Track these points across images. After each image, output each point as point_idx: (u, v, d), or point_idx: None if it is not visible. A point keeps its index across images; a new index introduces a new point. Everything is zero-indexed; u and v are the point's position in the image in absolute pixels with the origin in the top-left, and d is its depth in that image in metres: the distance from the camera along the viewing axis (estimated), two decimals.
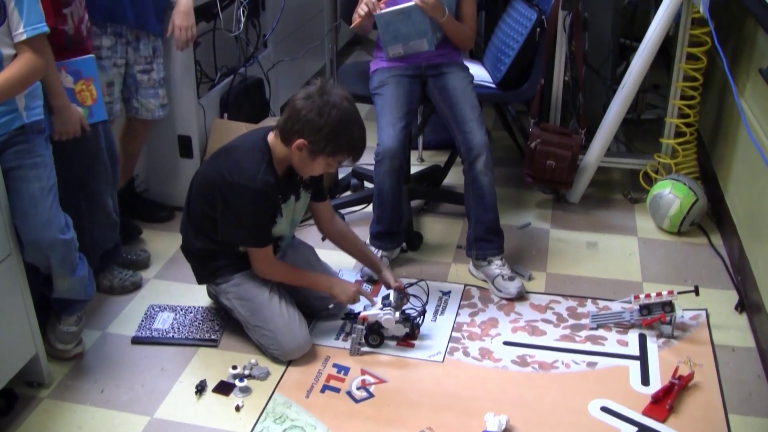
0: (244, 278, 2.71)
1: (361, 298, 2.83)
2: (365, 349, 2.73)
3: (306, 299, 2.85)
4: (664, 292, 2.76)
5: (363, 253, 2.96)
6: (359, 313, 2.75)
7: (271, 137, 2.59)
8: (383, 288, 2.92)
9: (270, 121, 3.73)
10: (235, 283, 2.71)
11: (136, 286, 3.08)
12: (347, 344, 2.75)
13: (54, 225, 2.39)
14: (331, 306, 2.82)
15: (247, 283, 2.71)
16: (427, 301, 2.89)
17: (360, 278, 3.12)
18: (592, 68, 3.81)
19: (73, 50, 2.67)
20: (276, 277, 2.73)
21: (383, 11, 3.05)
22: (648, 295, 2.78)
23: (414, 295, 2.90)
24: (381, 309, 2.73)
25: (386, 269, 2.91)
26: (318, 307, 2.87)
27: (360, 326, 2.71)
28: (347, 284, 2.81)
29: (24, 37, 2.24)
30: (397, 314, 2.72)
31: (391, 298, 2.78)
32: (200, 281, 2.85)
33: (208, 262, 2.75)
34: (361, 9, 3.08)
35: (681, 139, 3.60)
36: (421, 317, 2.81)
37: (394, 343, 2.76)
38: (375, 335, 2.73)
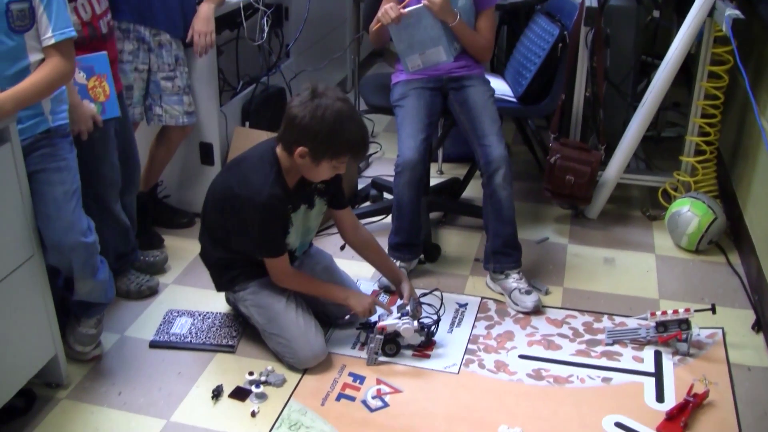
0: (260, 286, 2.73)
1: (377, 308, 2.84)
2: (382, 358, 2.74)
3: (323, 307, 2.86)
4: (681, 310, 2.75)
5: (385, 263, 2.96)
6: (375, 322, 2.76)
7: (278, 148, 2.61)
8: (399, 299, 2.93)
9: None
10: (252, 291, 2.73)
11: (153, 291, 3.10)
12: (363, 353, 2.76)
13: (76, 228, 2.41)
14: (347, 317, 2.82)
15: (263, 291, 2.72)
16: (441, 310, 2.91)
17: (377, 288, 3.14)
18: (613, 84, 3.81)
19: (89, 47, 2.68)
20: (291, 287, 2.74)
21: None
22: (664, 312, 2.78)
23: (428, 304, 2.91)
24: (399, 318, 2.73)
25: (406, 281, 2.91)
26: (335, 314, 2.88)
27: (378, 336, 2.72)
28: (363, 296, 2.82)
29: (52, 41, 2.27)
30: (416, 323, 2.73)
31: (409, 307, 2.79)
32: (218, 289, 2.88)
33: (226, 271, 2.78)
34: (376, 18, 3.10)
35: (701, 157, 3.60)
36: (436, 326, 2.82)
37: (409, 353, 2.77)
38: (391, 344, 2.74)
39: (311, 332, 2.69)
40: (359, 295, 2.81)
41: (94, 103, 2.69)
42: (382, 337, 2.72)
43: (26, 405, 2.49)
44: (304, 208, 2.71)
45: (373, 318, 2.82)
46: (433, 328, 2.80)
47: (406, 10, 3.03)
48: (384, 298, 3.08)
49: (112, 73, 2.75)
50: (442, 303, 2.95)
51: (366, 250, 2.94)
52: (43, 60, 2.30)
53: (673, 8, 4.10)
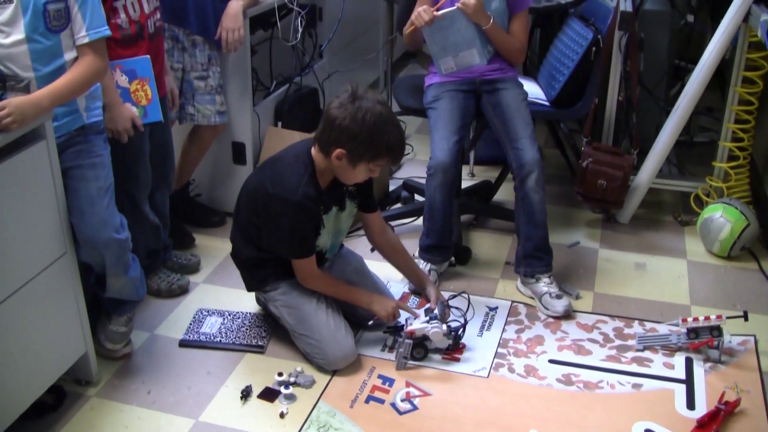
0: (291, 286, 2.74)
1: (402, 312, 2.84)
2: (410, 363, 2.73)
3: (353, 308, 2.86)
4: (713, 317, 2.73)
5: (410, 268, 2.97)
6: (403, 326, 2.76)
7: (314, 149, 2.61)
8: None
9: None
10: (282, 291, 2.74)
11: (183, 290, 3.12)
12: (392, 356, 2.76)
13: (110, 224, 2.43)
14: (370, 322, 2.83)
15: (294, 292, 2.73)
16: (468, 313, 2.92)
17: (407, 291, 3.14)
18: (647, 89, 3.79)
19: (134, 46, 2.71)
20: (317, 288, 2.75)
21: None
22: (696, 319, 2.76)
23: (456, 307, 2.92)
24: (428, 322, 2.73)
25: (431, 286, 2.92)
26: (365, 316, 2.88)
27: (408, 341, 2.71)
28: (387, 301, 2.81)
29: (86, 40, 2.30)
30: (444, 327, 2.73)
31: (437, 310, 2.79)
32: (249, 289, 2.89)
33: (257, 270, 2.79)
34: (410, 21, 3.10)
35: (734, 163, 3.57)
36: (463, 329, 2.82)
37: (439, 356, 2.76)
38: (420, 348, 2.74)
39: (341, 333, 2.70)
40: (383, 300, 2.81)
41: (136, 106, 2.72)
42: (411, 341, 2.71)
43: (56, 401, 2.51)
44: (336, 209, 2.72)
45: (401, 321, 2.81)
46: (460, 331, 2.80)
47: (440, 12, 3.03)
48: (414, 301, 3.07)
49: (157, 73, 2.78)
50: (469, 305, 2.95)
51: (392, 254, 2.95)
52: (77, 58, 2.33)
53: (708, 13, 4.07)
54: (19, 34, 2.21)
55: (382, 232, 2.92)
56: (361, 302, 2.80)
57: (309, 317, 2.69)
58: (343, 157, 2.51)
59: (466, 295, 3.00)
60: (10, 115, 2.08)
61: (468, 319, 2.89)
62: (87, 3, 2.28)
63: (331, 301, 2.77)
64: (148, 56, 2.73)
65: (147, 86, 2.73)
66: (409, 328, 2.72)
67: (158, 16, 2.82)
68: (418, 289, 2.97)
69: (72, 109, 2.37)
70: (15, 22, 2.21)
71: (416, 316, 2.78)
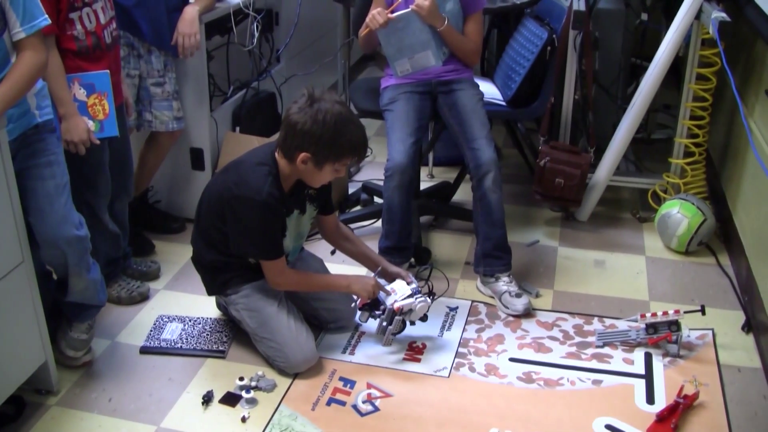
0: (253, 290, 2.73)
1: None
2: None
3: (315, 311, 2.87)
4: (671, 311, 2.76)
5: (365, 254, 2.98)
6: (377, 303, 2.79)
7: (277, 154, 2.62)
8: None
9: None
10: (244, 294, 2.73)
11: (144, 297, 3.10)
12: (353, 357, 2.77)
13: (69, 221, 2.43)
14: (353, 304, 2.85)
15: (255, 295, 2.72)
16: (429, 276, 3.04)
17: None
18: (603, 87, 3.83)
19: (92, 57, 2.69)
20: (291, 287, 2.76)
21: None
22: (654, 314, 2.79)
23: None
24: (411, 296, 2.76)
25: (391, 266, 2.93)
26: (326, 319, 2.89)
27: (398, 317, 2.75)
28: (365, 279, 2.81)
29: (22, 35, 2.24)
30: (429, 299, 2.80)
31: (414, 284, 2.82)
32: (210, 292, 2.88)
33: (218, 274, 2.78)
34: (365, 23, 3.11)
35: (690, 159, 3.61)
36: (433, 295, 2.93)
37: (399, 357, 2.78)
38: (400, 323, 2.78)
39: (302, 336, 2.70)
40: (360, 280, 2.81)
41: (93, 120, 2.70)
42: (401, 317, 2.75)
43: (16, 412, 2.49)
44: (297, 213, 2.72)
45: (381, 299, 2.82)
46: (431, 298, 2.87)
47: (394, 15, 3.04)
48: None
49: (114, 82, 2.77)
50: (431, 272, 3.07)
51: (348, 244, 2.97)
52: None
53: (662, 11, 4.12)
54: None
55: (337, 229, 2.95)
56: (339, 286, 2.81)
57: (270, 320, 2.69)
58: (308, 160, 2.52)
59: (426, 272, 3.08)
60: None
61: (432, 286, 2.98)
62: None
63: (293, 305, 2.77)
64: (108, 71, 2.72)
65: (105, 101, 2.72)
66: (397, 304, 2.74)
67: (114, 26, 2.80)
68: (379, 271, 2.94)
69: (24, 109, 2.35)
70: None
71: (389, 293, 2.79)
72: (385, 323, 2.78)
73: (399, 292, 2.79)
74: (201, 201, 2.77)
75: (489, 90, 3.62)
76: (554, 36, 3.46)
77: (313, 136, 2.48)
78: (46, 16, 2.31)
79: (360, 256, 2.99)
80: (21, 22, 2.24)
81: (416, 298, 2.76)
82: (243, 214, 2.57)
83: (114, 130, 2.78)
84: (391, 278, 2.88)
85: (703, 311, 2.87)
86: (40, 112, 2.42)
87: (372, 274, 2.91)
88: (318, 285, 2.83)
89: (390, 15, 3.04)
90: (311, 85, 2.58)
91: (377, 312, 2.81)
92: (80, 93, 2.67)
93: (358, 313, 2.88)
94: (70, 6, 2.60)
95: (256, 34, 3.59)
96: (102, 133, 2.74)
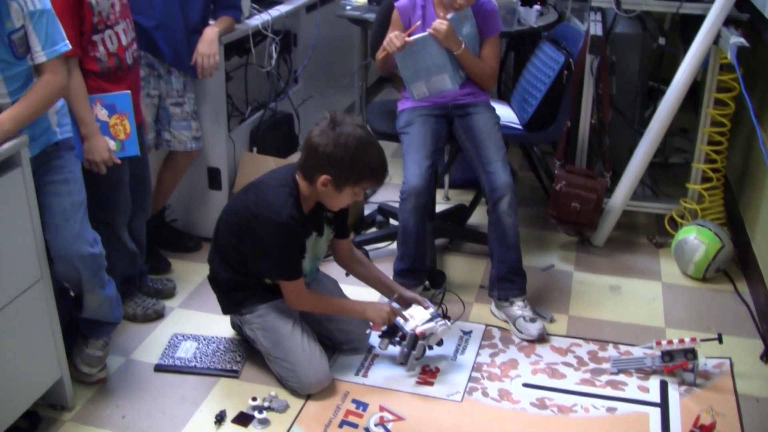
0: (268, 309, 2.74)
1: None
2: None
3: (329, 332, 2.87)
4: (687, 339, 2.74)
5: (379, 279, 2.99)
6: (396, 329, 2.80)
7: (297, 176, 2.63)
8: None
9: (298, 157, 3.77)
10: (259, 314, 2.74)
11: (159, 315, 3.12)
12: (366, 380, 2.77)
13: (84, 238, 2.45)
14: (367, 330, 2.84)
15: (270, 314, 2.73)
16: (441, 299, 3.06)
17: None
18: (619, 111, 3.82)
19: (114, 78, 2.74)
20: (308, 308, 2.77)
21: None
22: (670, 342, 2.76)
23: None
24: (431, 321, 2.78)
25: (405, 290, 2.95)
26: (340, 340, 2.90)
27: (421, 342, 2.76)
28: (380, 306, 2.83)
29: (43, 59, 2.31)
30: (449, 323, 2.81)
31: (432, 309, 2.84)
32: (225, 311, 2.88)
33: (234, 293, 2.79)
34: (382, 47, 3.13)
35: (708, 185, 3.60)
36: (448, 318, 2.94)
37: (412, 380, 2.77)
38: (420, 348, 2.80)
39: (316, 357, 2.70)
40: (376, 306, 2.83)
41: (114, 140, 2.74)
42: (424, 342, 2.77)
43: (31, 427, 2.51)
44: (315, 235, 2.74)
45: (399, 325, 2.83)
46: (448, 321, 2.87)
47: (411, 38, 3.06)
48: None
49: (134, 103, 2.81)
50: (443, 295, 3.09)
51: (362, 270, 2.99)
52: None
53: (679, 35, 4.11)
54: None
55: (350, 253, 2.96)
56: (354, 312, 2.83)
57: (284, 340, 2.70)
58: (328, 183, 2.54)
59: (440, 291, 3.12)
60: None
61: (446, 308, 3.02)
62: (41, 22, 2.28)
63: (307, 326, 2.77)
64: (129, 92, 2.77)
65: (126, 121, 2.76)
66: (419, 329, 2.75)
67: (135, 47, 2.84)
68: (395, 297, 2.94)
69: (45, 126, 2.40)
70: None
71: (407, 319, 2.80)
72: (406, 349, 2.78)
73: (417, 317, 2.80)
74: (220, 220, 2.79)
75: (505, 113, 3.63)
76: (571, 60, 3.46)
77: (334, 159, 2.50)
78: (67, 42, 2.37)
79: (373, 280, 3.00)
80: (43, 46, 2.30)
81: (437, 322, 2.78)
82: (263, 234, 2.59)
83: (135, 149, 2.82)
84: (406, 304, 2.89)
85: (720, 339, 2.84)
86: (60, 130, 2.46)
87: (386, 300, 2.92)
88: (334, 308, 2.85)
89: (407, 38, 3.05)
90: (333, 108, 2.60)
91: (396, 339, 2.82)
92: (102, 113, 2.72)
93: (378, 341, 2.88)
94: (93, 28, 2.65)
95: (275, 56, 3.61)
96: (123, 153, 2.78)
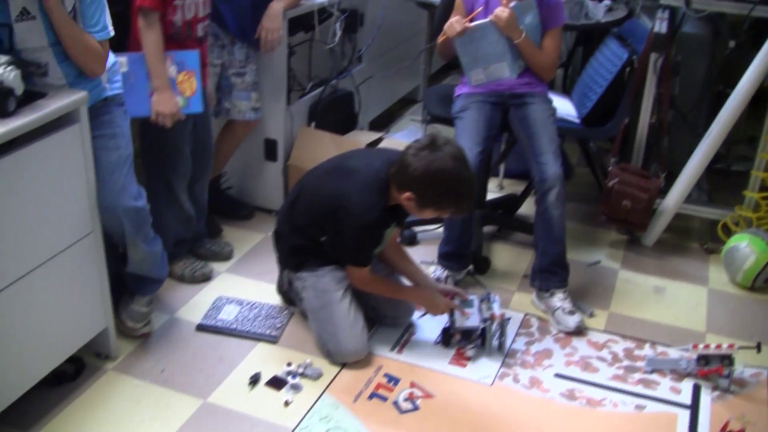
0: (325, 272, 2.79)
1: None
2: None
3: (376, 302, 2.92)
4: (725, 345, 2.72)
5: (418, 272, 3.02)
6: (449, 328, 2.86)
7: (390, 174, 2.65)
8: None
9: (356, 135, 3.83)
10: (318, 273, 2.79)
11: (206, 278, 3.19)
12: (401, 356, 2.81)
13: (128, 192, 2.53)
14: (389, 319, 2.91)
15: (326, 277, 2.79)
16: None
17: None
18: (681, 113, 3.77)
19: (178, 43, 2.83)
20: (369, 290, 2.84)
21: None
22: (707, 346, 2.75)
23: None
24: (488, 302, 2.89)
25: (439, 285, 3.01)
26: (385, 311, 2.95)
27: (497, 324, 2.85)
28: (438, 300, 2.87)
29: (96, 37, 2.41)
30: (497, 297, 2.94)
31: (477, 301, 2.90)
32: (283, 267, 2.95)
33: (297, 255, 2.85)
34: (443, 31, 3.15)
35: (765, 193, 3.54)
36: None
37: (447, 360, 2.81)
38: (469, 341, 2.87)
39: (358, 328, 2.76)
40: (434, 299, 2.88)
41: (180, 96, 2.83)
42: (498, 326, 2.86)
43: (76, 371, 2.63)
44: (393, 225, 2.81)
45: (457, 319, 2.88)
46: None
47: (472, 24, 3.07)
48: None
49: (202, 76, 2.89)
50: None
51: (402, 260, 3.01)
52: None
53: (751, 39, 4.03)
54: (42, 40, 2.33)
55: (395, 241, 3.00)
56: (413, 300, 2.92)
57: (333, 304, 2.76)
58: (412, 199, 2.59)
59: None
60: None
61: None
62: (90, 7, 2.38)
63: (355, 297, 2.82)
64: (198, 50, 2.86)
65: (193, 78, 2.84)
66: (495, 314, 2.85)
67: (207, 22, 2.93)
68: (459, 300, 2.96)
69: (96, 83, 2.48)
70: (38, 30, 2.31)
71: (464, 314, 2.85)
72: (495, 338, 2.86)
73: (471, 308, 2.87)
74: (302, 190, 2.83)
75: (564, 107, 3.62)
76: (634, 57, 3.44)
77: (420, 185, 2.55)
78: (111, 30, 2.45)
79: (413, 273, 3.01)
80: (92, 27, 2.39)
81: (492, 301, 2.87)
82: (346, 227, 2.65)
83: (199, 106, 2.90)
84: (447, 296, 2.93)
85: (758, 348, 2.80)
86: (111, 86, 2.56)
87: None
88: (395, 294, 2.92)
89: (468, 24, 3.07)
90: (437, 130, 2.62)
91: (478, 343, 2.86)
92: (171, 69, 2.81)
93: (397, 333, 2.94)
94: None
95: (339, 33, 3.65)
96: (188, 109, 2.87)
